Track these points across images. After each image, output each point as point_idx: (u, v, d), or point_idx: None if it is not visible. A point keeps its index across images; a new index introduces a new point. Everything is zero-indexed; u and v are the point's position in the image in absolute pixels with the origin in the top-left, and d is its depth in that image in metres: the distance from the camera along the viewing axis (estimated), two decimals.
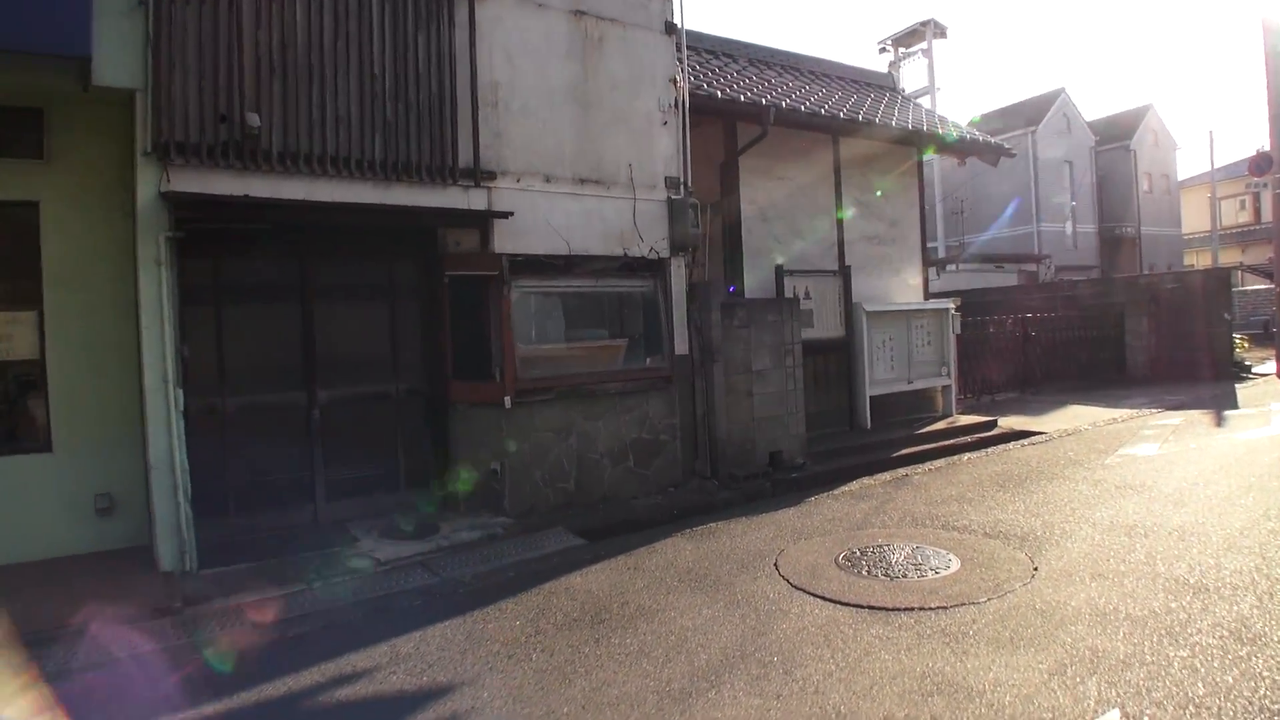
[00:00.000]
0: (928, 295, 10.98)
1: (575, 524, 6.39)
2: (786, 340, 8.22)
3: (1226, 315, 15.67)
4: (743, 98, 8.40)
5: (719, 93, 8.31)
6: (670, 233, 7.48)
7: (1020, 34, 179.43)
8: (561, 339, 7.11)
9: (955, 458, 8.59)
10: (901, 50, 31.24)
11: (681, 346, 7.60)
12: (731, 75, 9.54)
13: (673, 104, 7.57)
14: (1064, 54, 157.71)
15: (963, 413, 11.25)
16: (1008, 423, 10.51)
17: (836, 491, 7.30)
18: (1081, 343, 15.46)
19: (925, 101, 30.51)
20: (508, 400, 6.52)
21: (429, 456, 6.87)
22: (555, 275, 6.94)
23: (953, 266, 24.45)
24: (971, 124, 29.38)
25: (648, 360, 7.47)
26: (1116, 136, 30.90)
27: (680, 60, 7.67)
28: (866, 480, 7.70)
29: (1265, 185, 16.04)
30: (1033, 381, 13.91)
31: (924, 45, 30.57)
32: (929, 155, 11.35)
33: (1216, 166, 29.83)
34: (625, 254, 7.23)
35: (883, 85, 11.94)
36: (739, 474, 7.68)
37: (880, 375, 9.95)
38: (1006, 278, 22.71)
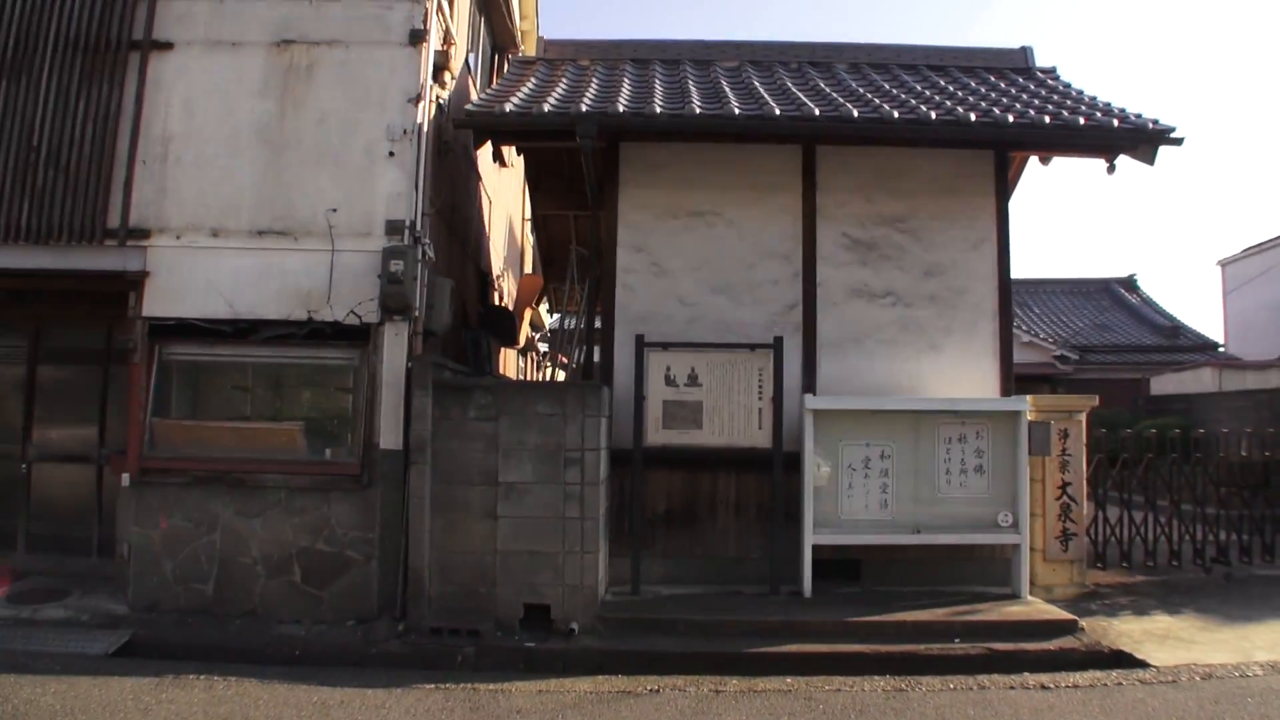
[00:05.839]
0: (1009, 388, 6.47)
1: (170, 635, 5.30)
2: (570, 444, 5.59)
3: None
4: (547, 107, 6.12)
5: (505, 105, 6.18)
6: (382, 292, 5.74)
7: None
8: (220, 416, 5.97)
9: (854, 681, 4.67)
10: None
11: (392, 440, 5.69)
12: (669, 87, 7.12)
13: (410, 130, 5.90)
14: None
15: (1080, 596, 6.30)
16: (1129, 628, 5.58)
17: (533, 687, 4.54)
18: None
19: None
20: (126, 478, 5.74)
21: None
22: (219, 343, 5.83)
23: None
24: None
25: (327, 452, 5.77)
26: None
27: (426, 74, 5.98)
28: (588, 681, 4.64)
29: None
30: None
31: None
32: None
33: None
34: (311, 318, 5.76)
35: (993, 67, 7.75)
36: (444, 626, 5.33)
37: (854, 514, 6.09)
38: None
